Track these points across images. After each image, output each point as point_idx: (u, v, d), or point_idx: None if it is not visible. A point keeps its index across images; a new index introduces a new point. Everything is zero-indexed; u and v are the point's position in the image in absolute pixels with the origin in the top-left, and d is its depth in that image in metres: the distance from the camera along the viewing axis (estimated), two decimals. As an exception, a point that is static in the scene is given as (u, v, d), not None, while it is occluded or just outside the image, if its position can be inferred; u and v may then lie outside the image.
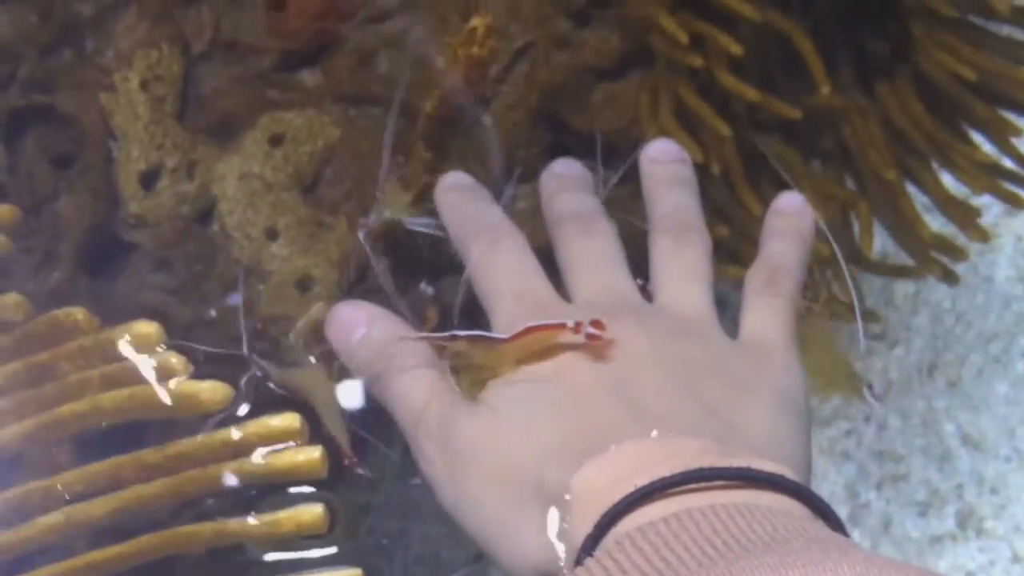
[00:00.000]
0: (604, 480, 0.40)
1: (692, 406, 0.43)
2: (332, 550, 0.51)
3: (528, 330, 0.46)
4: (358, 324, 0.49)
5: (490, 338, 0.47)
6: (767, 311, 0.49)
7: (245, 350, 0.54)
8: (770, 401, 0.45)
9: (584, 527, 0.39)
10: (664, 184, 0.53)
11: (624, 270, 0.51)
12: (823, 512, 0.39)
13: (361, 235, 0.56)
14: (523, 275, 0.50)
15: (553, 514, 0.41)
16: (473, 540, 0.45)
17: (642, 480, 0.39)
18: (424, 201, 0.57)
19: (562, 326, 0.45)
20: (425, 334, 0.49)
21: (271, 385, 0.54)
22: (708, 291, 0.50)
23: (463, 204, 0.53)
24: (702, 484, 0.38)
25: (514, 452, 0.44)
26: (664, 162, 0.54)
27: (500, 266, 0.50)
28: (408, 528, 0.63)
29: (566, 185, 0.54)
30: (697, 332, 0.47)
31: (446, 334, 0.48)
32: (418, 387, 0.47)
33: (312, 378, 0.55)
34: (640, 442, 0.41)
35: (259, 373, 0.54)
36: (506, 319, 0.48)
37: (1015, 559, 0.93)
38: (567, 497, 0.41)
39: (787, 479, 0.39)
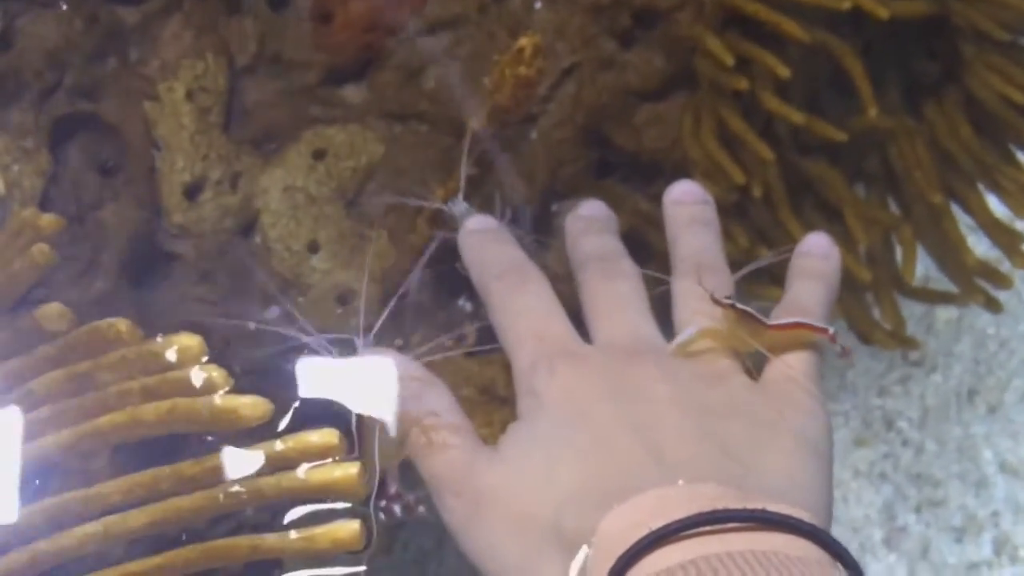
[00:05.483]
0: (621, 526, 0.40)
1: (711, 450, 0.43)
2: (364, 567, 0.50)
3: (795, 324, 0.47)
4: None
5: (754, 316, 0.47)
6: (791, 353, 0.48)
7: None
8: (790, 445, 0.45)
9: (602, 573, 0.39)
10: (686, 226, 0.53)
11: (646, 313, 0.50)
12: (840, 556, 0.39)
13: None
14: (544, 317, 0.50)
15: (572, 561, 0.41)
16: None
17: (657, 524, 0.39)
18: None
19: (825, 330, 0.47)
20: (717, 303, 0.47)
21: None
22: None
23: (485, 246, 0.53)
24: (717, 527, 0.38)
25: (533, 498, 0.43)
26: (686, 204, 0.53)
27: (521, 308, 0.50)
28: (443, 542, 0.62)
29: (591, 227, 0.54)
30: (718, 375, 0.47)
31: (729, 300, 0.46)
32: (438, 435, 0.47)
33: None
34: (658, 488, 0.41)
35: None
36: (528, 361, 0.48)
37: (1051, 586, 0.92)
38: (586, 544, 0.41)
39: (804, 523, 0.39)
